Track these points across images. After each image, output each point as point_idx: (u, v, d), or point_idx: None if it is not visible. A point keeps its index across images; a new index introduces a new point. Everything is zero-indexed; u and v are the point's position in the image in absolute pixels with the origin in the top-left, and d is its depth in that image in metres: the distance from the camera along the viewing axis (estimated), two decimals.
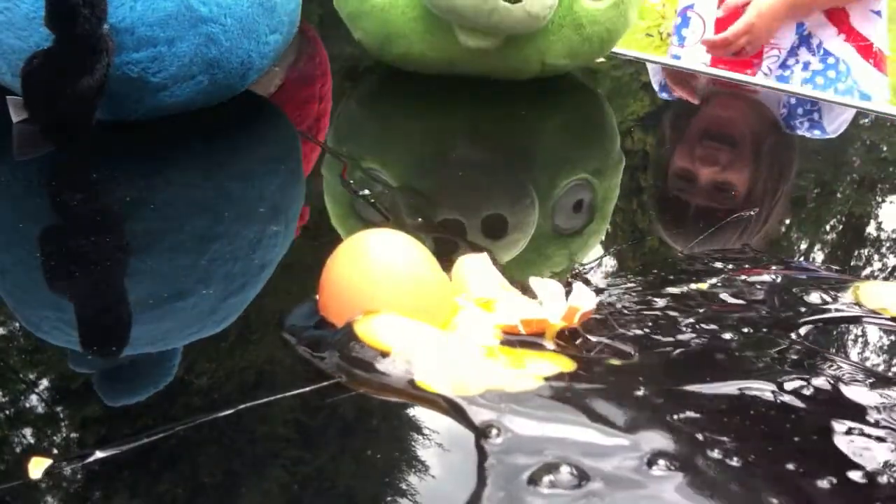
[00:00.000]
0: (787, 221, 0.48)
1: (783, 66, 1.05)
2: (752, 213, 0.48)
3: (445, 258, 0.34)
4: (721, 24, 1.07)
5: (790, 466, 0.25)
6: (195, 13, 0.48)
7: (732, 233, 0.45)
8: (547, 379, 0.28)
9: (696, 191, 0.51)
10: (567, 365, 0.29)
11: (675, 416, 0.27)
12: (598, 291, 0.35)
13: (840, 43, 1.04)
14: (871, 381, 0.29)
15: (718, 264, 0.39)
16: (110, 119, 0.50)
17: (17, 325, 0.32)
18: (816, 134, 0.67)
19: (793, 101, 0.72)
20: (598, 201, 0.49)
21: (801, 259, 0.42)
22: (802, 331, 0.33)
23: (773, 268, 0.39)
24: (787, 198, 0.52)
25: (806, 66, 1.04)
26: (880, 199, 0.51)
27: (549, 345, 0.30)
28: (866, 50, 1.05)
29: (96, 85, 0.44)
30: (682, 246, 0.43)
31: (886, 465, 0.25)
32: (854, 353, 0.32)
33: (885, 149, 0.64)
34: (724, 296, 0.35)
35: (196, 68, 0.50)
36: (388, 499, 0.24)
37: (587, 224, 0.45)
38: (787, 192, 0.53)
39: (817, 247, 0.45)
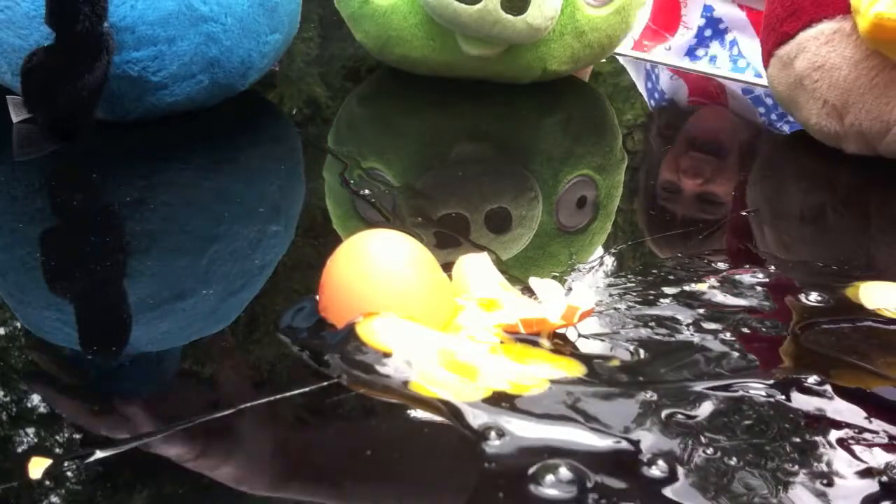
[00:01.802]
0: (786, 221, 0.48)
1: (691, 53, 0.98)
2: (752, 212, 0.48)
3: (446, 258, 0.34)
4: None
5: (789, 466, 0.25)
6: (196, 12, 0.48)
7: (732, 232, 0.45)
8: (552, 382, 0.28)
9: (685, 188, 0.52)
10: (573, 368, 0.29)
11: (675, 416, 0.27)
12: (599, 291, 0.35)
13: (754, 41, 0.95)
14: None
15: (718, 264, 0.39)
16: (110, 118, 0.50)
17: (18, 325, 0.32)
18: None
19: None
20: (602, 198, 0.49)
21: (801, 259, 0.42)
22: (802, 331, 0.33)
23: (773, 268, 0.39)
24: (785, 197, 0.52)
25: (713, 59, 0.97)
26: (880, 199, 0.51)
27: (546, 343, 0.30)
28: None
29: (97, 83, 0.44)
30: (674, 250, 0.43)
31: (887, 466, 0.25)
32: (854, 354, 0.32)
33: None
34: (723, 296, 0.36)
35: (196, 67, 0.50)
36: (387, 499, 0.24)
37: (591, 222, 0.45)
38: (783, 192, 0.53)
39: (817, 247, 0.45)
